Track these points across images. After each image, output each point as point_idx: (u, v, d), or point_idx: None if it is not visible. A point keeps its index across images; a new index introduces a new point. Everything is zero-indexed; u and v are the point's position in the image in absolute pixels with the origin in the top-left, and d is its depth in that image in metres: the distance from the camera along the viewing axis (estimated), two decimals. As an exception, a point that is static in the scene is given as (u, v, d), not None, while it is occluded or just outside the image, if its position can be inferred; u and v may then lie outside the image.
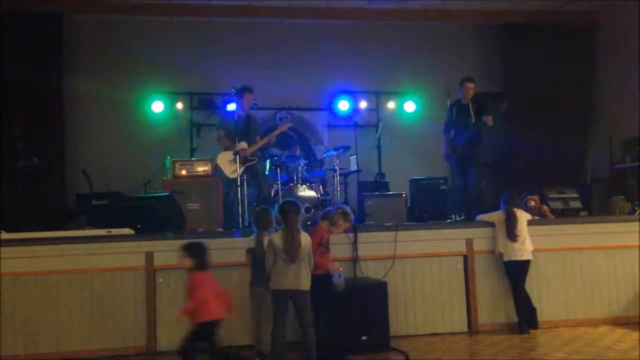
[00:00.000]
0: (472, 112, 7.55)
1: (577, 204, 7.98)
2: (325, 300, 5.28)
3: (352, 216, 5.61)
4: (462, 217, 7.65)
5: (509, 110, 7.53)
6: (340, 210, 5.50)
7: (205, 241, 4.96)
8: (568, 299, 6.59)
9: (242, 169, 7.24)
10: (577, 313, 6.58)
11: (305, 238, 5.05)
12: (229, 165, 7.25)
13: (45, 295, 5.76)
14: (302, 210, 5.23)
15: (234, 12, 10.09)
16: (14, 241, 5.85)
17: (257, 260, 5.28)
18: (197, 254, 4.78)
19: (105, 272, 5.88)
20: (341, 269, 5.50)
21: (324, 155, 9.22)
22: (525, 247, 6.29)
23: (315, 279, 5.13)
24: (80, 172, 8.36)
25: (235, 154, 7.25)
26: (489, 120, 7.31)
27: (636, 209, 7.89)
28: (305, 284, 5.00)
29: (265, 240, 5.21)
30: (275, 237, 5.04)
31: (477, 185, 7.62)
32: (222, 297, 4.81)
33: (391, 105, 10.80)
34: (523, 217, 6.44)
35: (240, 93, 7.43)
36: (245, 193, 7.22)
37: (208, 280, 4.77)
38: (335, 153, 8.89)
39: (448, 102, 7.95)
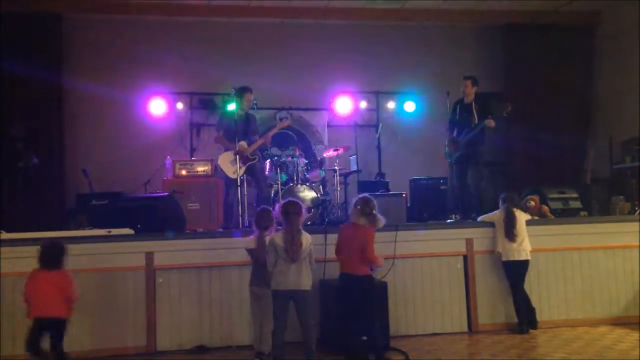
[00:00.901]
0: (475, 112, 7.56)
1: (577, 204, 7.97)
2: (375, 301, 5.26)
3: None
4: (459, 216, 7.65)
5: (510, 112, 7.55)
6: (375, 212, 5.19)
7: (60, 242, 5.02)
8: (568, 299, 6.59)
9: (243, 168, 7.23)
10: (577, 313, 6.58)
11: (306, 238, 5.04)
12: (230, 166, 7.23)
13: (45, 295, 5.75)
14: (304, 211, 5.21)
15: (234, 12, 10.09)
16: (14, 241, 5.84)
17: (257, 260, 5.28)
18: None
19: (105, 272, 5.88)
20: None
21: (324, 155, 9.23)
22: (524, 247, 6.29)
23: (368, 279, 5.12)
24: (80, 172, 8.36)
25: (235, 154, 7.23)
26: (490, 123, 7.35)
27: (636, 209, 7.89)
28: (306, 284, 4.99)
29: (267, 240, 5.21)
30: (277, 237, 5.03)
31: (476, 185, 7.65)
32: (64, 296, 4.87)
33: (391, 105, 10.79)
34: (522, 217, 6.44)
35: (240, 93, 7.43)
36: (245, 193, 7.22)
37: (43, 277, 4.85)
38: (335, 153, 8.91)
39: (448, 103, 7.95)
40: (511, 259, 6.27)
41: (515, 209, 6.42)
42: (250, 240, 5.35)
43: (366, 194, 5.36)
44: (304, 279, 4.97)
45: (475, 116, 7.52)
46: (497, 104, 7.84)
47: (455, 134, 7.76)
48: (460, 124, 7.68)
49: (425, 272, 6.40)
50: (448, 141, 7.86)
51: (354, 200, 5.32)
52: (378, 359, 5.14)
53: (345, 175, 9.18)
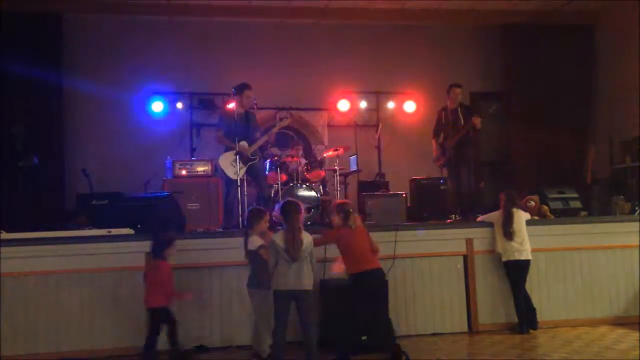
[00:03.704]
0: (460, 116, 7.76)
1: (577, 204, 7.96)
2: None
3: None
4: (458, 217, 7.66)
5: (506, 110, 7.65)
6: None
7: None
8: (568, 299, 6.59)
9: (244, 169, 7.20)
10: (577, 313, 6.58)
11: (306, 237, 5.03)
12: (231, 166, 7.18)
13: (45, 295, 5.76)
14: (304, 210, 5.21)
15: (234, 12, 10.09)
16: (14, 241, 5.84)
17: (253, 261, 5.28)
18: None
19: (105, 272, 5.88)
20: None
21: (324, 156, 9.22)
22: (524, 247, 6.28)
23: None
24: (80, 172, 8.35)
25: (236, 155, 7.20)
26: (477, 122, 7.51)
27: (636, 209, 7.88)
28: (308, 284, 4.98)
29: (249, 242, 5.20)
30: (277, 237, 5.02)
31: (470, 184, 7.71)
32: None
33: (391, 105, 10.81)
34: (522, 216, 6.44)
35: (240, 90, 7.38)
36: (245, 193, 7.21)
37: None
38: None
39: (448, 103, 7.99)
40: (512, 258, 6.27)
41: (514, 209, 6.42)
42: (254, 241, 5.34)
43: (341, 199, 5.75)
44: (305, 279, 4.96)
45: (462, 119, 7.70)
46: (482, 105, 8.00)
47: (442, 139, 7.87)
48: (448, 129, 7.78)
49: (425, 272, 6.40)
50: (435, 146, 7.98)
51: (344, 206, 5.41)
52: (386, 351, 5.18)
53: (345, 175, 9.18)
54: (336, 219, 5.36)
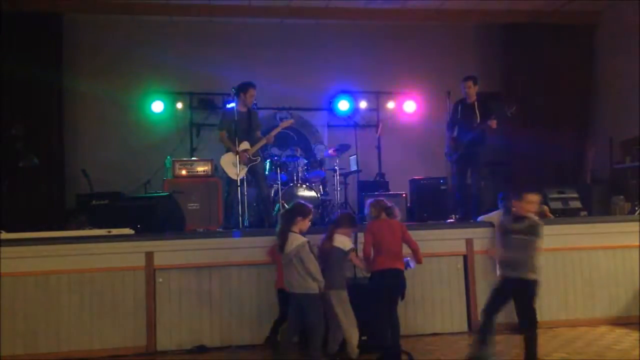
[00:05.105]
0: (477, 112, 7.57)
1: (577, 204, 7.96)
2: None
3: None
4: (459, 216, 7.63)
5: (514, 112, 7.54)
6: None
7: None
8: (568, 299, 6.58)
9: (245, 170, 7.20)
10: (577, 313, 6.57)
11: (295, 239, 4.94)
12: (232, 167, 7.16)
13: (45, 295, 5.76)
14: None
15: (234, 12, 10.10)
16: (14, 241, 5.84)
17: (325, 261, 5.23)
18: None
19: (105, 272, 5.87)
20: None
21: (324, 156, 9.22)
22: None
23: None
24: (80, 172, 8.36)
25: (236, 155, 7.18)
26: (493, 123, 7.37)
27: (636, 209, 7.88)
28: (297, 286, 4.91)
29: (336, 239, 5.23)
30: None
31: (477, 185, 7.64)
32: None
33: (391, 105, 10.81)
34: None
35: (245, 89, 7.34)
36: (245, 193, 7.21)
37: None
38: (335, 154, 8.91)
39: (448, 103, 7.94)
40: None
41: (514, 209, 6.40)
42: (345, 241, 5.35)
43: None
44: (294, 282, 4.92)
45: (478, 116, 7.54)
46: (499, 104, 7.86)
47: (456, 133, 7.76)
48: (462, 124, 7.67)
49: (425, 272, 6.39)
50: (449, 140, 7.86)
51: (376, 202, 5.53)
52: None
53: (345, 175, 9.18)
54: (371, 215, 5.47)
